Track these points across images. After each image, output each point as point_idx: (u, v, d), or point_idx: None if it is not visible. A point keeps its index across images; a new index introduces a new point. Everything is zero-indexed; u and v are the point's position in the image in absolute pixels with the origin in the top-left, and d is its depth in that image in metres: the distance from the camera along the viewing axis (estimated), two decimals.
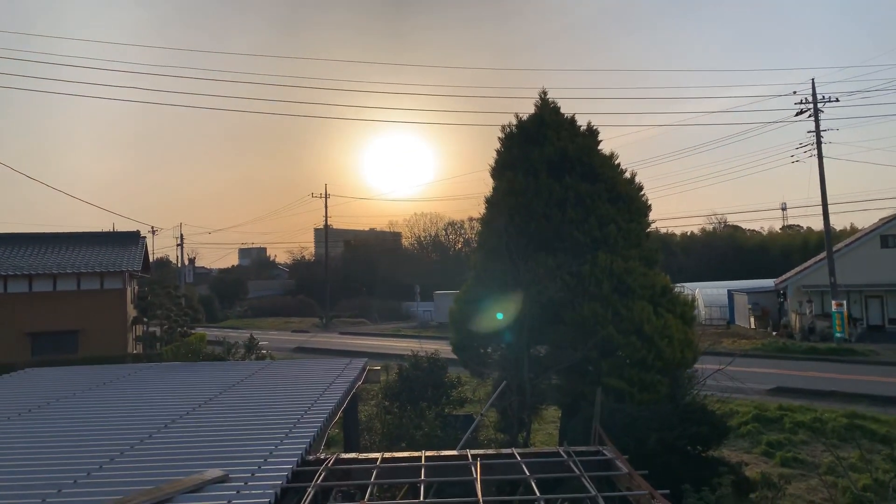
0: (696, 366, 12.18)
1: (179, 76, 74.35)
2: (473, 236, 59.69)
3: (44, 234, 28.97)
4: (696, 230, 72.08)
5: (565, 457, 5.77)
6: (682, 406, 10.46)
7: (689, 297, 13.67)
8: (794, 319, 34.14)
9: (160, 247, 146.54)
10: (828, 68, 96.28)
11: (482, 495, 4.67)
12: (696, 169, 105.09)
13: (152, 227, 58.46)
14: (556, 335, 11.76)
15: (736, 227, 72.64)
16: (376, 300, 60.85)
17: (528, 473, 5.36)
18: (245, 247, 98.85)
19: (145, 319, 29.49)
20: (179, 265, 63.16)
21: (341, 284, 65.27)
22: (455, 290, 16.09)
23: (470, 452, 5.97)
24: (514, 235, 12.03)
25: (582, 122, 13.44)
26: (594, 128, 13.43)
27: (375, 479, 5.41)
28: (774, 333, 34.51)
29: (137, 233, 30.71)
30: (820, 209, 33.63)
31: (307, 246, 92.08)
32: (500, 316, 11.80)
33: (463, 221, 72.69)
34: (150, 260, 34.83)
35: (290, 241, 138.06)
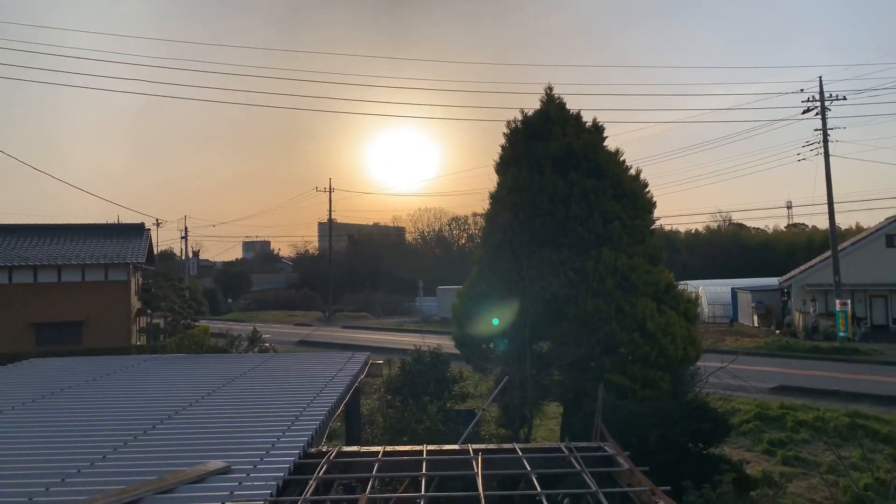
0: (699, 363, 12.18)
1: (185, 69, 74.38)
2: (477, 232, 59.74)
3: (49, 225, 29.09)
4: (700, 228, 71.85)
5: (566, 452, 5.78)
6: (684, 403, 10.45)
7: (693, 294, 13.64)
8: (797, 318, 34.06)
9: (165, 239, 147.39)
10: (835, 66, 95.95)
11: (483, 490, 4.68)
12: (701, 166, 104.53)
13: (157, 220, 58.55)
14: (558, 331, 11.76)
15: (741, 225, 72.50)
16: (379, 295, 60.96)
17: (529, 468, 5.38)
18: (249, 240, 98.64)
19: (149, 311, 29.58)
20: (183, 258, 63.26)
21: (345, 279, 65.39)
22: (458, 286, 16.08)
23: (471, 447, 5.98)
24: (518, 231, 12.03)
25: (587, 118, 13.44)
26: (600, 124, 13.41)
27: (377, 472, 5.44)
28: (778, 332, 34.43)
29: (142, 225, 30.83)
30: (825, 208, 33.63)
31: (311, 240, 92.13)
32: (503, 312, 11.80)
33: (467, 217, 72.63)
34: (155, 252, 34.90)
35: (294, 235, 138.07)
